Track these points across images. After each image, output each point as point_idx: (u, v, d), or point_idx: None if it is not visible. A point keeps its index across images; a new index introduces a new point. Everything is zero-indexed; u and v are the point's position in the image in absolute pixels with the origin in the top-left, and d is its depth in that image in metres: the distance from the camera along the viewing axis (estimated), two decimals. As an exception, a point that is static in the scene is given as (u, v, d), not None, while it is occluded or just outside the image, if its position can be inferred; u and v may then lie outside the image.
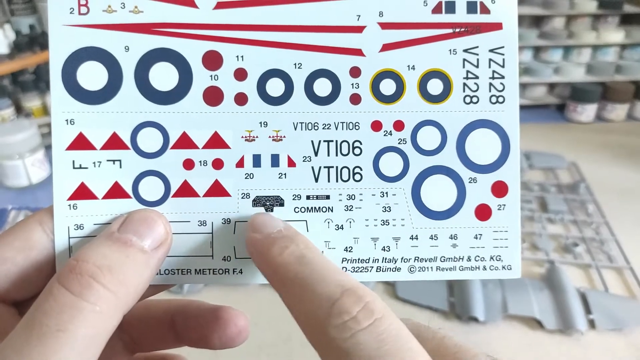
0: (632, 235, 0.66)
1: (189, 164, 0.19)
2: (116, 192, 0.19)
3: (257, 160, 0.19)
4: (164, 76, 0.19)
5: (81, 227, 0.18)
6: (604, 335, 0.51)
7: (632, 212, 0.71)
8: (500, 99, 0.19)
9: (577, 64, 1.00)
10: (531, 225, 0.67)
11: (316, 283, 0.15)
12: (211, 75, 0.19)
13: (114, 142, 0.19)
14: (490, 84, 0.19)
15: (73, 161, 0.18)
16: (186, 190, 0.19)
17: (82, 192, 0.18)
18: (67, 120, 0.18)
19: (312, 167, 0.19)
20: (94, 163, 0.18)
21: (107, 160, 0.19)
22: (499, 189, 0.20)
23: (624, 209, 0.71)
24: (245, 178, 0.19)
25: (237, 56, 0.19)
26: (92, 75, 0.18)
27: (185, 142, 0.19)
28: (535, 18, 1.04)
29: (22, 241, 0.17)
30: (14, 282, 0.17)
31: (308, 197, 0.19)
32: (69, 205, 0.18)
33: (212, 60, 0.19)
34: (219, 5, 0.19)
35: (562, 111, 1.00)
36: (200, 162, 0.19)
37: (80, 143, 0.18)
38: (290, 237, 0.17)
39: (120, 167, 0.19)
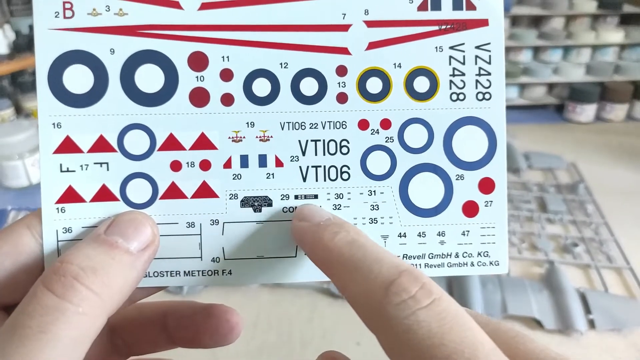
0: (632, 235, 0.66)
1: (176, 166, 0.19)
2: (104, 194, 0.19)
3: (244, 161, 0.19)
4: (149, 78, 0.19)
5: (69, 230, 0.18)
6: (603, 335, 0.51)
7: (632, 212, 0.71)
8: (487, 96, 0.19)
9: (577, 64, 1.00)
10: (530, 225, 0.67)
11: (372, 264, 0.15)
12: (197, 76, 0.19)
13: (101, 145, 0.19)
14: (477, 81, 0.19)
15: (60, 164, 0.18)
16: (174, 192, 0.19)
17: (70, 196, 0.18)
18: (54, 123, 0.18)
19: (300, 167, 0.19)
20: (82, 166, 0.18)
21: (95, 163, 0.19)
22: (486, 186, 0.20)
23: (624, 209, 0.71)
24: (233, 179, 0.19)
25: (223, 57, 0.19)
26: (78, 79, 0.18)
27: (172, 143, 0.19)
28: (535, 18, 1.04)
29: (10, 245, 0.17)
30: (2, 286, 0.17)
31: (296, 197, 0.19)
32: (57, 208, 0.18)
33: (198, 61, 0.19)
34: (203, 6, 0.19)
35: (561, 111, 1.00)
36: (188, 163, 0.19)
37: (68, 146, 0.18)
38: (339, 224, 0.17)
39: (108, 169, 0.19)
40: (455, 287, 0.56)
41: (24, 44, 0.88)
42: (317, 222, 0.17)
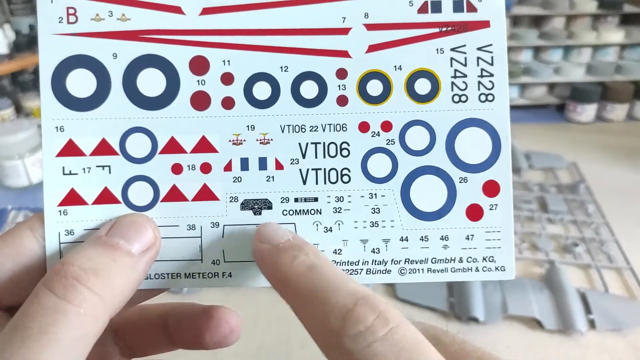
0: (632, 235, 0.66)
1: (177, 169, 0.19)
2: (106, 197, 0.19)
3: (244, 164, 0.19)
4: (151, 82, 0.19)
5: (71, 233, 0.19)
6: (603, 335, 0.51)
7: (632, 212, 0.71)
8: (490, 97, 0.19)
9: (577, 64, 1.00)
10: (531, 225, 0.67)
11: (328, 292, 0.15)
12: (198, 80, 0.19)
13: (103, 148, 0.19)
14: (479, 82, 0.19)
15: (63, 167, 0.19)
16: (175, 195, 0.19)
17: (72, 198, 0.19)
18: (56, 127, 0.18)
19: (300, 170, 0.19)
20: (84, 169, 0.19)
21: (97, 166, 0.19)
22: (491, 189, 0.19)
23: (624, 209, 0.71)
24: (234, 181, 0.19)
25: (224, 61, 0.19)
26: (81, 83, 0.18)
27: (173, 147, 0.19)
28: (535, 18, 1.04)
29: (13, 248, 0.17)
30: (5, 288, 0.17)
31: (296, 200, 0.19)
32: (60, 211, 0.18)
33: (199, 65, 0.19)
34: (204, 11, 0.19)
35: (561, 111, 1.00)
36: (189, 166, 0.19)
37: (70, 149, 0.19)
38: (299, 246, 0.17)
39: (110, 172, 0.19)
40: (456, 287, 0.56)
41: (24, 44, 0.88)
42: (276, 244, 0.17)
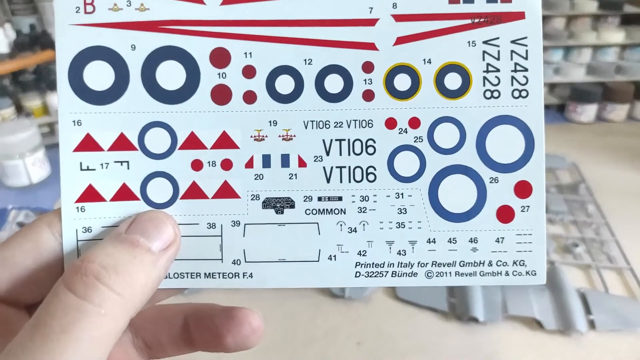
0: (633, 235, 0.66)
1: (197, 165, 0.18)
2: (124, 194, 0.18)
3: (266, 161, 0.18)
4: (171, 75, 0.18)
5: (89, 230, 0.18)
6: (604, 335, 0.51)
7: (633, 213, 0.71)
8: (524, 93, 0.18)
9: (578, 65, 1.00)
10: (531, 225, 0.67)
11: None
12: (219, 73, 0.18)
13: (121, 143, 0.18)
14: (513, 77, 0.18)
15: (80, 163, 0.18)
16: (195, 192, 0.18)
17: (90, 194, 0.18)
18: (74, 121, 0.18)
19: (324, 167, 0.19)
20: (102, 165, 0.18)
21: (115, 162, 0.18)
22: (523, 190, 0.18)
23: (625, 209, 0.71)
24: (255, 179, 0.18)
25: (246, 53, 0.18)
26: (98, 75, 0.18)
27: (193, 142, 0.18)
28: (536, 18, 1.04)
29: (30, 244, 0.17)
30: (24, 286, 0.17)
31: (320, 199, 0.19)
32: (77, 207, 0.18)
33: (220, 58, 0.18)
34: (226, 1, 0.18)
35: (562, 111, 1.00)
36: (209, 162, 0.18)
37: (88, 144, 0.18)
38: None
39: (128, 168, 0.18)
40: (456, 287, 0.56)
41: (24, 43, 0.87)
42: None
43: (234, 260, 0.19)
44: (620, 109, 0.97)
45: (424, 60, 0.18)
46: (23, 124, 0.74)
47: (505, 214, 0.19)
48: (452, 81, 0.18)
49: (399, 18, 0.18)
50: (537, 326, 0.52)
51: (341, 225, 0.19)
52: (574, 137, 0.92)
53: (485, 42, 0.18)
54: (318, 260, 0.19)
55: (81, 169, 0.18)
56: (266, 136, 0.18)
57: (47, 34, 0.90)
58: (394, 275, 0.19)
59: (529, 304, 0.53)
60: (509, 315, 0.52)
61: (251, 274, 0.19)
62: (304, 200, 0.19)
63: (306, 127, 0.18)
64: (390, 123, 0.18)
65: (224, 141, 0.18)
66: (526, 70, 0.18)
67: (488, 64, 0.18)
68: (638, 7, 1.01)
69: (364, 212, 0.19)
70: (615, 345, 0.50)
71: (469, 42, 0.18)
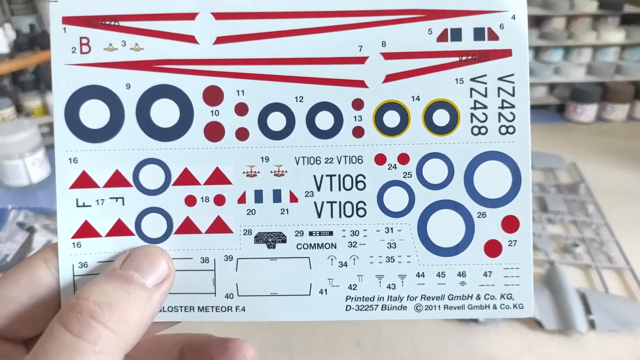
0: (632, 236, 0.66)
1: (190, 201, 0.19)
2: (119, 229, 0.19)
3: (258, 196, 0.19)
4: (165, 113, 0.18)
5: (85, 265, 0.18)
6: (604, 335, 0.51)
7: (632, 213, 0.71)
8: (511, 130, 0.19)
9: (577, 65, 1.00)
10: (531, 225, 0.67)
11: None
12: (212, 111, 0.18)
13: (116, 180, 0.18)
14: (500, 114, 0.19)
15: (77, 199, 0.18)
16: (188, 227, 0.19)
17: (86, 230, 0.18)
18: (70, 159, 0.18)
19: (315, 202, 0.19)
20: (97, 201, 0.18)
21: (110, 198, 0.18)
22: (510, 224, 0.19)
23: (624, 209, 0.71)
24: (247, 214, 0.19)
25: (238, 91, 0.18)
26: (94, 114, 0.18)
27: (186, 178, 0.19)
28: (536, 18, 1.04)
29: (27, 280, 0.17)
30: (21, 321, 0.17)
31: (311, 233, 0.19)
32: (73, 243, 0.18)
33: (213, 96, 0.18)
34: (218, 40, 0.18)
35: (562, 112, 1.00)
36: (202, 198, 0.19)
37: (84, 181, 0.18)
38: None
39: (123, 204, 0.18)
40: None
41: (24, 43, 0.87)
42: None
43: (227, 294, 0.19)
44: (620, 109, 0.97)
45: (413, 97, 0.18)
46: (23, 124, 0.74)
47: (492, 249, 0.19)
48: (441, 118, 0.19)
49: (388, 56, 0.18)
50: (536, 326, 0.52)
51: (332, 259, 0.19)
52: (573, 137, 0.92)
53: (472, 80, 0.18)
54: (309, 294, 0.19)
55: (77, 206, 0.18)
56: (258, 172, 0.19)
57: (46, 34, 0.90)
58: (383, 308, 0.19)
59: (529, 304, 0.53)
60: (509, 317, 0.52)
61: (244, 307, 0.19)
62: (296, 235, 0.19)
63: (297, 163, 0.19)
64: (380, 159, 0.19)
65: (217, 177, 0.19)
66: (513, 106, 0.19)
67: (475, 101, 0.19)
68: (638, 7, 1.01)
69: (354, 246, 0.19)
70: (614, 346, 0.50)
71: (456, 79, 0.18)
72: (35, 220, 0.66)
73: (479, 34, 0.18)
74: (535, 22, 1.04)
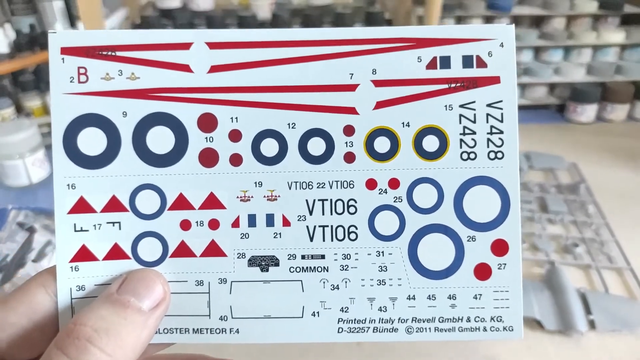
0: (632, 236, 0.66)
1: (185, 225, 0.19)
2: (116, 253, 0.19)
3: (252, 220, 0.19)
4: (160, 139, 0.19)
5: (82, 288, 0.19)
6: (604, 336, 0.51)
7: (633, 213, 0.71)
8: (499, 155, 0.19)
9: (577, 65, 1.00)
10: (531, 226, 0.67)
11: None
12: (206, 137, 0.19)
13: (113, 205, 0.19)
14: (489, 140, 0.19)
15: (74, 224, 0.19)
16: (183, 251, 0.19)
17: (84, 254, 0.19)
18: (68, 185, 0.19)
19: (307, 227, 0.19)
20: (95, 225, 0.19)
21: (107, 223, 0.19)
22: (499, 248, 0.19)
23: (624, 209, 0.71)
24: (241, 238, 0.19)
25: (232, 118, 0.19)
26: (91, 141, 0.19)
27: (181, 203, 0.19)
28: (536, 18, 1.04)
29: (25, 305, 0.17)
30: (19, 346, 0.17)
31: (303, 257, 0.19)
32: (71, 267, 0.19)
33: (207, 123, 0.19)
34: (212, 69, 0.19)
35: (562, 112, 1.00)
36: (197, 222, 0.19)
37: (81, 207, 0.19)
38: None
39: (120, 229, 0.19)
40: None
41: (24, 43, 0.87)
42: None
43: (221, 316, 0.19)
44: (620, 109, 0.97)
45: (403, 123, 0.19)
46: (23, 124, 0.74)
47: (482, 272, 0.19)
48: (430, 143, 0.19)
49: (378, 83, 0.19)
50: (537, 326, 0.52)
51: (324, 282, 0.19)
52: (573, 137, 0.92)
53: (461, 106, 0.19)
54: (302, 317, 0.19)
55: (75, 230, 0.19)
56: (252, 197, 0.19)
57: (46, 34, 0.90)
58: (375, 331, 0.19)
59: (529, 304, 0.53)
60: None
61: (237, 329, 0.19)
62: (288, 259, 0.19)
63: (290, 188, 0.19)
64: (371, 184, 0.19)
65: (211, 202, 0.19)
66: (501, 132, 0.19)
67: (465, 127, 0.19)
68: (638, 7, 1.01)
69: (346, 269, 0.19)
70: (615, 346, 0.50)
71: (445, 105, 0.19)
72: (35, 220, 0.66)
73: (467, 61, 0.19)
74: (535, 22, 1.04)
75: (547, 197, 0.73)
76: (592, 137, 0.92)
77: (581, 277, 0.59)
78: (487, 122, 0.19)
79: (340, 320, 0.19)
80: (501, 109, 0.19)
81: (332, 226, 0.19)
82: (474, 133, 0.19)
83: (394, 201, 0.19)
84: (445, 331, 0.19)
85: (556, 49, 1.01)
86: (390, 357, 0.49)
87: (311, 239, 0.19)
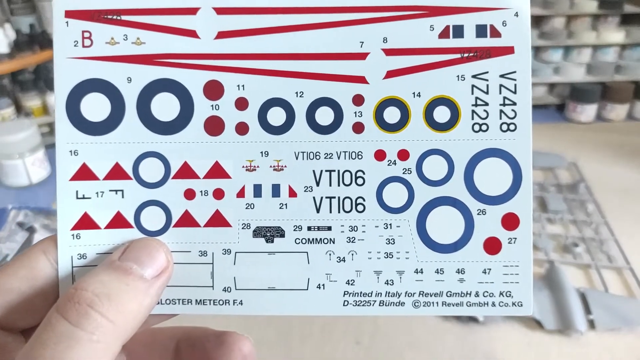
0: (632, 235, 0.66)
1: (190, 194, 0.19)
2: (118, 221, 0.19)
3: (257, 190, 0.19)
4: (165, 106, 0.18)
5: (84, 257, 0.18)
6: (603, 335, 0.51)
7: (632, 212, 0.71)
8: (512, 127, 0.18)
9: (577, 64, 1.00)
10: (531, 225, 0.67)
11: None
12: (212, 105, 0.18)
13: (116, 173, 0.18)
14: (501, 111, 0.18)
15: (77, 191, 0.18)
16: (187, 220, 0.19)
17: (85, 222, 0.18)
18: (71, 151, 0.18)
19: (314, 198, 0.19)
20: (97, 193, 0.18)
21: (110, 191, 0.18)
22: (510, 222, 0.19)
23: (624, 208, 0.71)
24: (246, 208, 0.19)
25: (238, 85, 0.18)
26: (95, 107, 0.18)
27: (186, 172, 0.19)
28: (536, 18, 1.04)
29: (26, 271, 0.17)
30: (19, 312, 0.17)
31: (309, 228, 0.19)
32: (73, 235, 0.18)
33: (213, 90, 0.18)
34: (219, 35, 0.18)
35: (562, 111, 1.00)
36: (201, 192, 0.19)
37: (84, 173, 0.18)
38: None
39: (123, 197, 0.19)
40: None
41: (24, 43, 0.87)
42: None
43: (225, 287, 0.19)
44: (620, 108, 0.97)
45: (414, 93, 0.18)
46: (23, 124, 0.74)
47: (492, 246, 0.19)
48: (441, 114, 0.18)
49: (389, 52, 0.18)
50: (537, 326, 0.52)
51: (330, 254, 0.19)
52: (573, 136, 0.92)
53: (474, 76, 0.18)
54: (307, 289, 0.19)
55: (77, 198, 0.18)
56: (257, 166, 0.19)
57: (46, 34, 0.90)
58: (381, 304, 0.19)
59: (529, 304, 0.53)
60: (508, 315, 0.52)
61: (241, 301, 0.19)
62: (294, 230, 0.19)
63: (297, 158, 0.19)
64: (380, 155, 0.19)
65: (216, 171, 0.19)
66: (514, 104, 0.18)
67: (477, 98, 0.18)
68: (638, 6, 1.01)
69: (352, 242, 0.19)
70: (614, 345, 0.50)
71: (458, 76, 0.18)
72: (35, 220, 0.66)
73: (481, 31, 0.18)
74: (535, 21, 1.04)
75: (547, 196, 0.73)
76: (591, 137, 0.92)
77: (581, 276, 0.59)
78: (500, 93, 0.18)
79: (346, 293, 0.19)
80: (515, 80, 0.18)
81: (339, 197, 0.19)
82: (486, 104, 0.18)
83: (403, 173, 0.19)
84: (453, 306, 0.19)
85: (556, 49, 1.01)
86: (389, 352, 0.49)
87: (318, 210, 0.19)
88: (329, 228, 0.19)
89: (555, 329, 0.51)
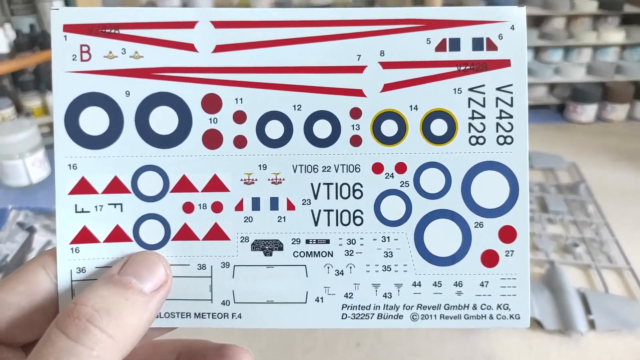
0: (632, 236, 0.66)
1: (188, 207, 0.19)
2: (117, 235, 0.19)
3: (256, 204, 0.19)
4: (164, 120, 0.18)
5: (83, 271, 0.18)
6: (603, 335, 0.51)
7: (632, 213, 0.71)
8: (509, 140, 0.18)
9: (577, 65, 1.00)
10: (531, 225, 0.67)
11: None
12: (210, 119, 0.18)
13: (115, 186, 0.19)
14: (498, 124, 0.18)
15: (75, 205, 0.18)
16: (186, 234, 0.19)
17: (84, 236, 0.18)
18: (69, 165, 0.18)
19: (312, 211, 0.19)
20: (96, 207, 0.18)
21: (109, 204, 0.19)
22: (507, 234, 0.19)
23: (624, 209, 0.71)
24: (245, 221, 0.19)
25: (236, 99, 0.18)
26: (94, 121, 0.18)
27: (184, 185, 0.19)
28: (536, 18, 1.04)
29: (26, 286, 0.17)
30: (19, 327, 0.17)
31: (307, 241, 0.19)
32: (72, 248, 0.18)
33: (212, 104, 0.18)
34: (217, 49, 0.18)
35: (562, 112, 1.00)
36: (200, 205, 0.19)
37: (83, 187, 0.18)
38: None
39: (122, 210, 0.19)
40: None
41: (24, 43, 0.87)
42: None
43: (223, 300, 0.19)
44: (620, 109, 0.97)
45: (411, 106, 0.18)
46: (23, 124, 0.74)
47: (489, 259, 0.19)
48: (438, 127, 0.19)
49: (386, 65, 0.18)
50: (537, 326, 0.52)
51: (328, 267, 0.19)
52: (573, 137, 0.92)
53: (470, 89, 0.18)
54: (305, 302, 0.19)
55: (76, 211, 0.18)
56: (256, 180, 0.19)
57: (46, 34, 0.90)
58: (379, 317, 0.19)
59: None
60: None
61: (240, 314, 0.19)
62: (292, 243, 0.19)
63: (295, 171, 0.19)
64: (377, 168, 0.19)
65: (215, 184, 0.19)
66: (511, 117, 0.18)
67: (473, 111, 0.18)
68: (638, 7, 1.01)
69: (350, 255, 0.19)
70: (615, 345, 0.50)
71: (454, 89, 0.18)
72: (35, 220, 0.66)
73: (477, 44, 0.18)
74: (535, 22, 1.04)
75: (547, 197, 0.73)
76: (592, 137, 0.92)
77: (581, 277, 0.59)
78: (497, 106, 0.19)
79: (345, 306, 0.19)
80: (511, 93, 0.18)
81: (337, 210, 0.19)
82: (483, 117, 0.19)
83: (401, 186, 0.19)
84: (451, 318, 0.19)
85: (556, 49, 1.01)
86: (390, 357, 0.49)
87: (316, 223, 0.19)
88: (327, 241, 0.19)
89: (555, 329, 0.51)
